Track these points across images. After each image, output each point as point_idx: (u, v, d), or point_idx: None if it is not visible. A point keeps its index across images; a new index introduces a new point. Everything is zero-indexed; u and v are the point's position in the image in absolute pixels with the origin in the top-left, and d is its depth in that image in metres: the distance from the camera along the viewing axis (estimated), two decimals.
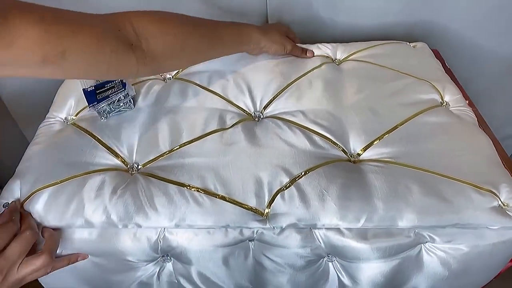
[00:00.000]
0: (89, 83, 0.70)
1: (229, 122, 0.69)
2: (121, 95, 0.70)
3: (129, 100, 0.71)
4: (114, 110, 0.71)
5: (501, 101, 1.12)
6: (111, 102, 0.69)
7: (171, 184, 0.59)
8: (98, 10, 0.56)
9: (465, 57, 1.04)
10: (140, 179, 0.60)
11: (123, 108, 0.71)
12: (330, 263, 0.64)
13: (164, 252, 0.61)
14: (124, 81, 0.71)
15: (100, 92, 0.69)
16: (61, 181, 0.60)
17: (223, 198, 0.58)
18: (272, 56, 0.82)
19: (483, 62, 1.04)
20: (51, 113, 0.74)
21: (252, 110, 0.73)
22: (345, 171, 0.61)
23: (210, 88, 0.76)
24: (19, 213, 0.57)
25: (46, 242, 0.56)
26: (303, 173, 0.60)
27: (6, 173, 0.66)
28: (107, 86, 0.70)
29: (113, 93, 0.70)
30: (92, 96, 0.69)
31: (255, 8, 0.95)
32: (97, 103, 0.68)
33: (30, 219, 0.57)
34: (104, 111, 0.70)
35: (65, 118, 0.73)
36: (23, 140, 1.19)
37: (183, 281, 0.66)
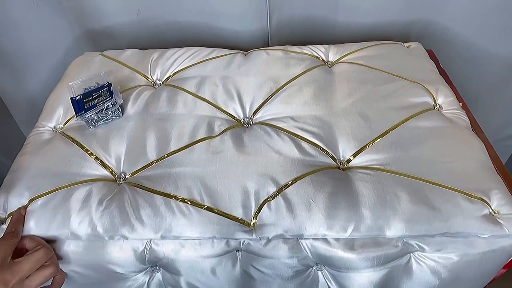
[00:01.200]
0: (78, 92, 0.69)
1: (218, 130, 0.68)
2: (109, 104, 0.70)
3: (117, 108, 0.71)
4: (102, 119, 0.70)
5: (501, 101, 1.10)
6: (99, 111, 0.69)
7: (157, 195, 0.59)
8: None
9: (464, 57, 1.03)
10: (126, 189, 0.60)
11: (111, 116, 0.71)
12: (319, 272, 0.63)
13: (152, 263, 0.60)
14: (111, 89, 0.70)
15: (87, 101, 0.68)
16: (47, 193, 0.60)
17: (209, 209, 0.58)
18: (263, 60, 0.81)
19: (482, 62, 1.03)
20: (40, 122, 0.73)
21: (241, 116, 0.72)
22: (333, 179, 0.60)
23: (199, 95, 0.75)
24: (23, 224, 0.57)
25: None
26: (290, 182, 0.59)
27: (6, 173, 0.66)
28: (95, 95, 0.69)
29: (100, 101, 0.69)
30: (80, 105, 0.68)
31: (255, 8, 0.95)
32: (85, 112, 0.68)
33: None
34: (92, 120, 0.69)
35: (54, 127, 0.72)
36: (23, 140, 1.19)
37: None
